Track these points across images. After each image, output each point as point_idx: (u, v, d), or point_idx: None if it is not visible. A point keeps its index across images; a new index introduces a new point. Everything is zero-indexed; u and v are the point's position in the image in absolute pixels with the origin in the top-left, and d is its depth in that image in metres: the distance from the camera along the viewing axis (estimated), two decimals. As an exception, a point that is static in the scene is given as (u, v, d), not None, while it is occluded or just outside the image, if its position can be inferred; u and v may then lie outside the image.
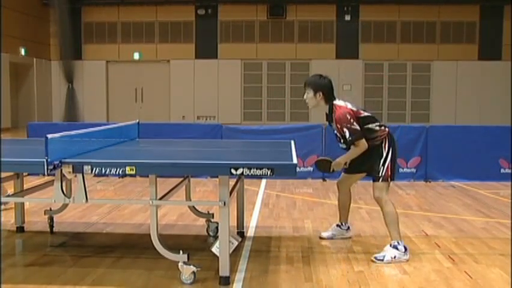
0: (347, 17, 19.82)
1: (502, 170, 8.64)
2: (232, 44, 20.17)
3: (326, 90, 4.67)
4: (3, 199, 4.84)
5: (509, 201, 7.01)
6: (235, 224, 5.17)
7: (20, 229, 5.33)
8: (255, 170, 3.63)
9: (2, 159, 3.80)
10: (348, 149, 4.65)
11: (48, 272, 4.14)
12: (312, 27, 19.95)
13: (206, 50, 20.12)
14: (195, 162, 4.06)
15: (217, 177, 4.00)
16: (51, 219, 5.34)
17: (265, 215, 6.22)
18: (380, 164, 4.58)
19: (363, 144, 4.54)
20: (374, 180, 4.64)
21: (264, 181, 8.28)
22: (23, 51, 18.84)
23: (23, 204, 5.41)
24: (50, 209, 5.33)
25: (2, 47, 16.45)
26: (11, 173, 5.14)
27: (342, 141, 4.66)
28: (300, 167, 8.50)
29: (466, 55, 19.62)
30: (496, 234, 5.43)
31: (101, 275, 4.10)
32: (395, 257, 4.41)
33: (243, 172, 3.63)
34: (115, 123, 5.85)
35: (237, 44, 20.12)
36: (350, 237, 5.16)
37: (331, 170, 4.75)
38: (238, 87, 20.27)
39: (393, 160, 4.62)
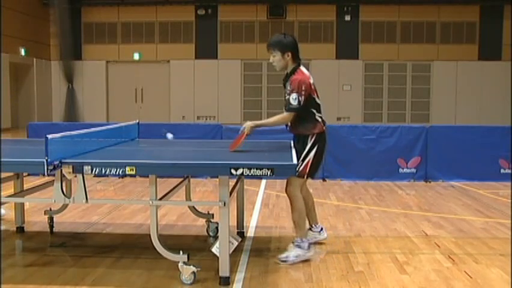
0: (347, 17, 19.81)
1: (502, 170, 8.64)
2: (232, 44, 20.17)
3: (293, 48, 4.49)
4: (4, 199, 4.83)
5: (509, 201, 7.02)
6: (235, 224, 5.17)
7: (20, 229, 5.34)
8: (255, 170, 3.63)
9: (2, 159, 3.80)
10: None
11: (48, 272, 4.14)
12: (312, 27, 19.94)
13: (206, 50, 20.12)
14: (195, 162, 4.06)
15: (217, 177, 4.00)
16: (51, 219, 5.34)
17: (265, 215, 6.22)
18: (300, 158, 4.43)
19: (289, 117, 4.44)
20: None
21: (264, 181, 8.29)
22: (23, 51, 18.84)
23: (23, 204, 5.41)
24: (50, 209, 5.33)
25: (2, 47, 16.45)
26: (11, 173, 5.14)
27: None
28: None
29: (466, 55, 19.62)
30: (495, 234, 5.43)
31: (101, 275, 4.10)
32: (298, 255, 4.36)
33: (243, 172, 3.62)
34: (115, 123, 5.85)
35: (237, 44, 20.11)
36: (324, 240, 4.93)
37: (241, 129, 4.51)
38: (238, 87, 20.26)
39: (316, 159, 4.48)
